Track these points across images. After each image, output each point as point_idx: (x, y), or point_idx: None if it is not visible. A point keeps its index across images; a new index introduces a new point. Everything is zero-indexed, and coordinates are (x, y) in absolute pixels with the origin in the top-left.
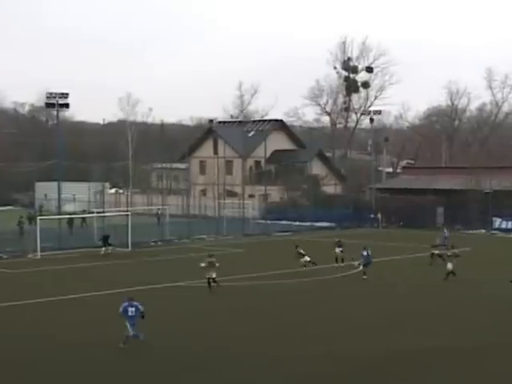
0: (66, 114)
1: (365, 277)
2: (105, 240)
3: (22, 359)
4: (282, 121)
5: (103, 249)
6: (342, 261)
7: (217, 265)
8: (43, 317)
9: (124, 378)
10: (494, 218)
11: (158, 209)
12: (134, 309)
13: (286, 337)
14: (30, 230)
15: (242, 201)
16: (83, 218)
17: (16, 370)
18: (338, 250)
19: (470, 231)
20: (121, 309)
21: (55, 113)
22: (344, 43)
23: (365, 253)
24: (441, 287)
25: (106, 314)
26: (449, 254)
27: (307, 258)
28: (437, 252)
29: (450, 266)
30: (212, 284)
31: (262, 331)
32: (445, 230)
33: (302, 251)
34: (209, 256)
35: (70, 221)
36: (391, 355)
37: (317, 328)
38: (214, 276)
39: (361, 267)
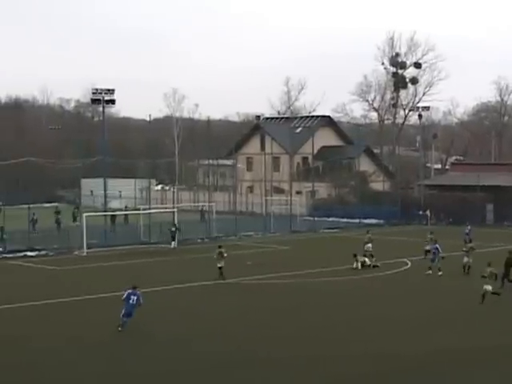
0: (112, 110)
1: (429, 271)
2: (173, 233)
3: (50, 359)
4: (329, 117)
5: (173, 242)
6: (372, 256)
7: (225, 255)
8: (81, 315)
9: (153, 378)
10: None
11: (203, 205)
12: (135, 297)
13: (324, 337)
14: (65, 227)
15: (289, 197)
16: (125, 215)
17: (46, 370)
18: (367, 246)
19: None
20: (124, 295)
21: (101, 109)
22: (392, 39)
23: (436, 246)
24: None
25: (139, 312)
26: (464, 248)
27: (367, 261)
28: (427, 248)
29: (465, 259)
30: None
31: (300, 331)
32: (468, 226)
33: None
34: (218, 247)
35: (113, 218)
36: (432, 354)
37: (356, 328)
38: (222, 265)
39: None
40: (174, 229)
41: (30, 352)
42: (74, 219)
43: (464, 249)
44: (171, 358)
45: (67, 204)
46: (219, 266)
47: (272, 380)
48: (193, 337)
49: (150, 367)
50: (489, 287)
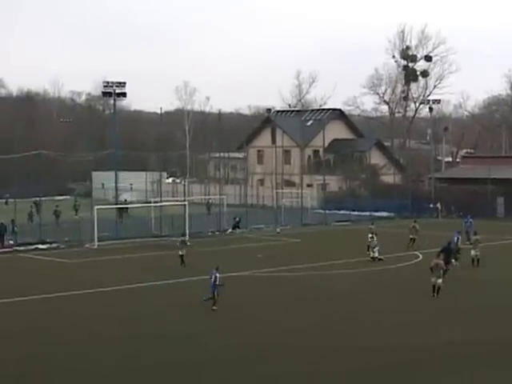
0: (123, 103)
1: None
2: (236, 223)
3: (62, 352)
4: (340, 110)
5: (238, 230)
6: (368, 248)
7: (188, 244)
8: (92, 308)
9: (168, 372)
10: None
11: (209, 198)
12: (214, 277)
13: (335, 329)
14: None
15: (300, 190)
16: (126, 208)
17: (58, 363)
18: (369, 236)
19: None
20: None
21: (112, 102)
22: (403, 32)
23: (455, 239)
24: (488, 280)
25: (151, 307)
26: (470, 241)
27: (376, 254)
28: (413, 237)
29: (473, 252)
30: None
31: (311, 324)
32: (470, 218)
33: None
34: (181, 235)
35: (120, 210)
36: (442, 347)
37: (366, 320)
38: (183, 253)
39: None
40: (237, 219)
41: (42, 344)
42: (76, 212)
43: (469, 242)
44: (183, 353)
45: (78, 197)
46: (180, 253)
47: (283, 373)
48: (204, 331)
49: (162, 360)
50: (434, 279)
